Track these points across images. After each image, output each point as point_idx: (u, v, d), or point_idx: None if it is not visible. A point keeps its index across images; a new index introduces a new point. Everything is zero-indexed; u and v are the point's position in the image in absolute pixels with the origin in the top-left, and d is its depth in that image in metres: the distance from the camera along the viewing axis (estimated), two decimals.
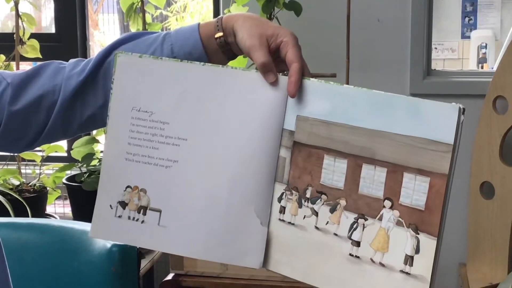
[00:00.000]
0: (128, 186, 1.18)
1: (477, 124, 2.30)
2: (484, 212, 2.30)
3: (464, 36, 3.92)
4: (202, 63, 1.17)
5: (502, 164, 2.27)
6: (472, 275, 2.28)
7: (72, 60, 1.28)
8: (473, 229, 2.33)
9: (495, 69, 2.39)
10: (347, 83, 2.10)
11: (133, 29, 2.36)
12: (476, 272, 2.29)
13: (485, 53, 3.81)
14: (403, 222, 1.00)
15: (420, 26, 2.36)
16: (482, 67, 3.82)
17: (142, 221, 1.17)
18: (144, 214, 1.17)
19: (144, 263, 2.18)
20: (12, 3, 2.41)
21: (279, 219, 1.11)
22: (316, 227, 1.07)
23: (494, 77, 2.30)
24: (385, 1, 2.36)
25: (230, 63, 1.22)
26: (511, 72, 2.25)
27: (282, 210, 1.11)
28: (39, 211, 2.36)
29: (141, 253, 1.91)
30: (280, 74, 1.12)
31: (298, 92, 1.09)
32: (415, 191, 1.00)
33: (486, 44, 3.81)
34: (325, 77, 1.97)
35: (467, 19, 3.93)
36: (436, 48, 2.92)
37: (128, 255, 1.62)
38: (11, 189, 2.32)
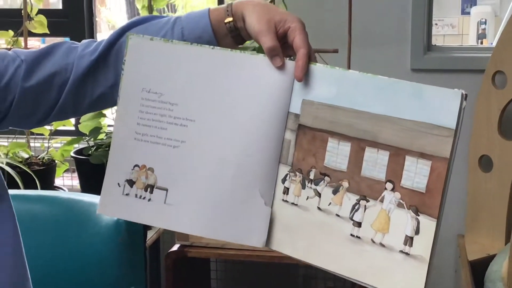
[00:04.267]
0: (136, 165, 1.19)
1: (476, 99, 2.30)
2: (483, 184, 2.31)
3: (464, 12, 3.91)
4: (211, 46, 1.18)
5: (501, 138, 2.27)
6: (470, 246, 2.29)
7: (84, 41, 1.29)
8: (472, 201, 2.34)
9: (494, 44, 2.38)
10: (349, 59, 2.10)
11: (138, 5, 2.35)
12: (474, 243, 2.30)
13: (484, 29, 3.80)
14: (404, 204, 1.01)
15: (421, 2, 2.34)
16: (481, 43, 3.81)
17: (149, 199, 1.18)
18: (151, 192, 1.18)
19: (151, 234, 2.19)
20: None
21: (283, 200, 1.12)
22: (319, 208, 1.08)
23: (493, 52, 2.29)
24: None
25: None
26: (510, 48, 2.24)
27: (286, 191, 1.11)
28: (48, 184, 2.37)
29: (146, 230, 1.92)
30: (287, 59, 1.12)
31: (304, 77, 1.10)
32: (416, 174, 1.00)
33: (485, 20, 3.79)
34: (327, 53, 1.97)
35: None
36: (436, 24, 2.91)
37: (135, 226, 1.63)
38: (20, 162, 2.33)
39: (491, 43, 3.33)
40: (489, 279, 2.06)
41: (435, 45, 2.47)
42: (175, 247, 2.17)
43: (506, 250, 2.05)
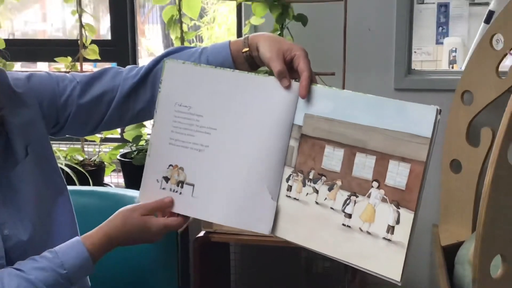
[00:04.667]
0: (170, 165, 1.20)
1: (448, 113, 2.29)
2: (453, 183, 2.30)
3: (438, 42, 3.90)
4: (231, 69, 1.20)
5: (468, 145, 2.26)
6: (442, 234, 2.28)
7: (128, 66, 1.32)
8: (444, 196, 2.33)
9: (463, 68, 2.37)
10: (344, 80, 2.10)
11: (172, 36, 2.35)
12: (446, 231, 2.29)
13: (455, 56, 3.79)
14: (387, 199, 1.01)
15: (403, 34, 2.34)
16: (452, 67, 3.79)
17: (180, 193, 1.19)
18: (182, 187, 1.19)
19: None
20: (76, 16, 2.41)
21: (287, 195, 1.12)
22: (316, 202, 1.09)
23: (462, 75, 2.28)
24: (375, 14, 2.34)
25: None
26: (476, 71, 2.23)
27: (289, 188, 1.12)
28: (98, 181, 2.37)
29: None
30: (293, 80, 1.13)
31: (307, 95, 1.10)
32: (398, 174, 1.00)
33: (456, 49, 3.78)
34: (326, 75, 1.97)
35: (440, 28, 3.90)
36: (415, 52, 2.89)
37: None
38: (76, 163, 2.34)
39: (461, 68, 3.32)
40: (459, 261, 2.05)
41: (414, 69, 2.46)
42: (201, 233, 2.16)
43: (472, 238, 2.03)
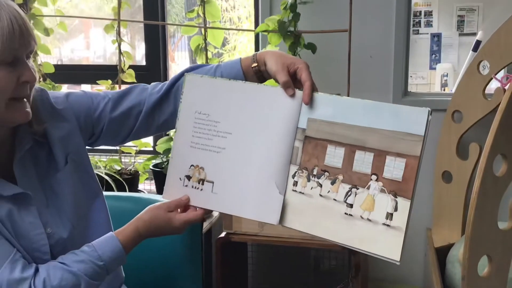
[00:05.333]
0: (192, 165, 1.21)
1: (440, 130, 2.28)
2: (445, 192, 2.28)
3: (431, 68, 3.89)
4: (243, 81, 1.21)
5: (458, 158, 2.25)
6: (435, 236, 2.26)
7: (153, 83, 1.33)
8: (437, 203, 2.31)
9: (453, 91, 2.36)
10: None
11: (198, 62, 2.36)
12: (439, 234, 2.28)
13: (446, 80, 3.77)
14: (385, 190, 1.01)
15: (400, 60, 2.34)
16: (444, 90, 3.78)
17: (201, 189, 1.20)
18: (202, 184, 1.20)
19: (205, 225, 2.19)
20: (116, 44, 2.44)
21: (293, 190, 1.12)
22: (320, 195, 1.08)
23: (452, 97, 2.27)
24: (376, 42, 2.34)
25: None
26: (465, 94, 2.22)
27: (295, 183, 1.11)
28: (134, 188, 2.38)
29: (203, 217, 1.92)
30: (297, 89, 1.13)
31: (309, 101, 1.11)
32: (395, 168, 1.00)
33: (447, 73, 3.77)
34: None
35: (433, 55, 3.89)
36: (411, 76, 2.89)
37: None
38: (114, 172, 2.35)
39: (451, 90, 3.30)
40: (449, 261, 2.03)
41: (410, 91, 2.46)
42: (222, 234, 2.16)
43: (461, 240, 2.02)
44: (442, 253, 2.10)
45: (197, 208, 1.21)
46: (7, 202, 1.12)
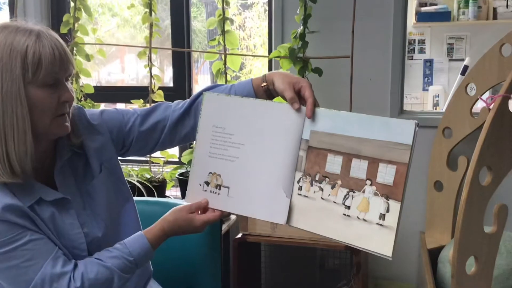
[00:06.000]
0: (210, 172, 1.21)
1: (432, 144, 2.26)
2: (436, 199, 2.26)
3: (424, 89, 3.88)
4: (254, 98, 1.21)
5: (448, 169, 2.22)
6: (428, 239, 2.23)
7: (176, 101, 1.34)
8: (429, 210, 2.28)
9: (444, 110, 2.34)
10: None
11: (219, 82, 2.38)
12: (431, 237, 2.24)
13: (437, 100, 3.76)
14: (379, 193, 1.00)
15: (396, 82, 2.32)
16: (435, 109, 3.76)
17: (218, 194, 1.20)
18: (219, 189, 1.20)
19: (224, 227, 2.19)
20: (147, 68, 2.46)
21: (298, 194, 1.11)
22: (322, 198, 1.08)
23: (443, 115, 2.25)
24: (375, 67, 2.33)
25: None
26: (454, 113, 2.20)
27: (300, 188, 1.11)
28: (161, 194, 2.38)
29: (222, 220, 1.93)
30: (301, 105, 1.13)
31: (312, 115, 1.11)
32: (386, 174, 1.00)
33: (438, 94, 3.75)
34: None
35: (426, 78, 3.88)
36: (406, 96, 2.88)
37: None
38: (145, 180, 2.36)
39: (442, 109, 3.29)
40: (441, 261, 2.01)
41: (406, 110, 2.44)
42: (239, 235, 2.15)
43: (451, 242, 1.99)
44: (434, 254, 2.07)
45: (215, 210, 1.21)
46: (50, 206, 1.14)
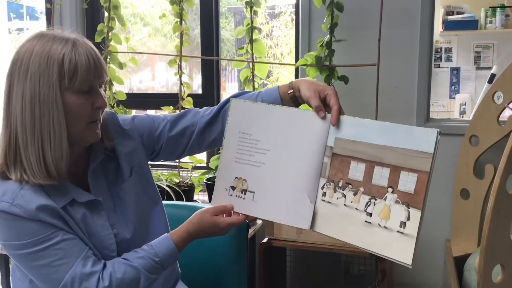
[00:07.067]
0: (236, 177, 1.21)
1: (459, 152, 2.23)
2: (463, 207, 2.23)
3: (451, 97, 3.82)
4: (280, 105, 1.21)
5: (475, 177, 2.20)
6: (454, 247, 2.20)
7: (204, 107, 1.35)
8: (456, 218, 2.25)
9: (471, 118, 2.31)
10: None
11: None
12: (457, 245, 2.22)
13: (464, 108, 3.70)
14: (400, 201, 0.99)
15: (423, 90, 2.31)
16: (462, 117, 3.71)
17: (243, 198, 1.20)
18: (245, 194, 1.20)
19: (250, 231, 2.19)
20: (177, 76, 2.49)
21: (322, 200, 1.11)
22: (345, 205, 1.07)
23: (470, 123, 2.23)
24: (401, 75, 2.32)
25: None
26: (480, 121, 2.17)
27: (324, 194, 1.11)
28: (190, 198, 2.40)
29: (249, 224, 1.93)
30: (326, 113, 1.13)
31: (337, 123, 1.11)
32: (408, 182, 0.99)
33: (465, 102, 3.70)
34: None
35: (453, 86, 3.83)
36: (432, 104, 2.85)
37: (241, 226, 1.61)
38: (174, 184, 2.38)
39: (469, 117, 3.24)
40: (467, 269, 1.98)
41: (432, 117, 2.42)
42: (265, 240, 2.16)
43: (477, 250, 1.97)
44: (460, 262, 2.05)
45: (240, 214, 1.21)
46: (82, 207, 1.16)
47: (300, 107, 1.24)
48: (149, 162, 1.35)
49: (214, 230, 1.21)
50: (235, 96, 1.29)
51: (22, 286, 1.20)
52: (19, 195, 1.08)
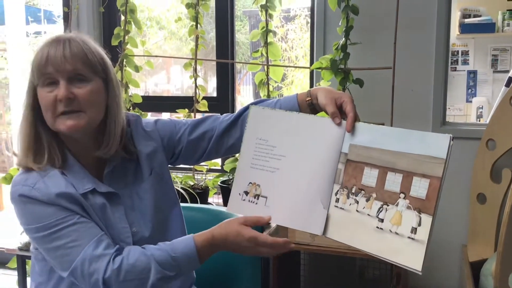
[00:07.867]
0: (250, 182, 1.21)
1: (476, 156, 2.20)
2: (479, 212, 2.20)
3: (468, 101, 3.79)
4: (298, 112, 1.21)
5: (492, 182, 2.17)
6: (470, 252, 2.18)
7: (224, 114, 1.37)
8: (472, 223, 2.23)
9: (488, 122, 2.29)
10: None
11: (261, 94, 2.39)
12: (473, 250, 2.19)
13: (481, 112, 3.66)
14: (411, 207, 0.99)
15: (439, 94, 2.29)
16: (479, 121, 3.67)
17: (256, 203, 1.20)
18: (258, 199, 1.20)
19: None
20: (192, 79, 2.51)
21: (335, 206, 1.11)
22: (357, 210, 1.07)
23: (487, 127, 2.20)
24: (416, 79, 2.30)
25: None
26: (498, 125, 2.15)
27: (337, 200, 1.11)
28: (204, 201, 2.41)
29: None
30: (342, 120, 1.14)
31: (352, 130, 1.11)
32: (420, 187, 0.99)
33: (482, 106, 3.66)
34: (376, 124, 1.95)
35: (469, 90, 3.79)
36: (449, 108, 2.82)
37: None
38: (188, 187, 2.39)
39: (486, 121, 3.20)
40: (483, 274, 1.95)
41: (448, 121, 2.39)
42: None
43: (494, 256, 1.94)
44: (476, 267, 2.02)
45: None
46: (102, 197, 1.20)
47: (317, 115, 1.24)
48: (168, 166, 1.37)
49: (237, 240, 1.14)
50: (255, 103, 1.31)
51: (40, 280, 1.25)
52: (41, 181, 1.14)
